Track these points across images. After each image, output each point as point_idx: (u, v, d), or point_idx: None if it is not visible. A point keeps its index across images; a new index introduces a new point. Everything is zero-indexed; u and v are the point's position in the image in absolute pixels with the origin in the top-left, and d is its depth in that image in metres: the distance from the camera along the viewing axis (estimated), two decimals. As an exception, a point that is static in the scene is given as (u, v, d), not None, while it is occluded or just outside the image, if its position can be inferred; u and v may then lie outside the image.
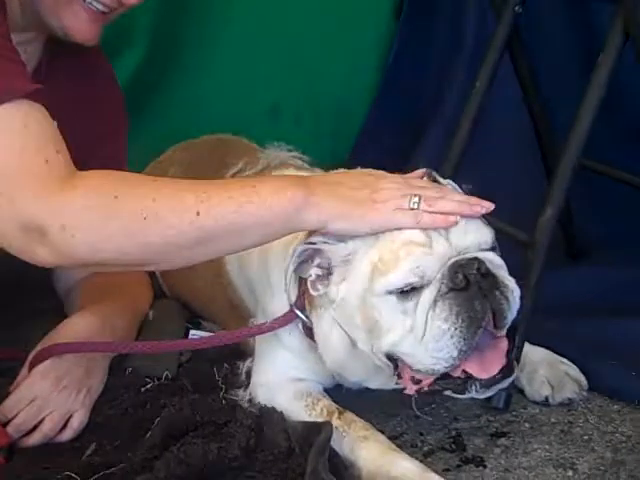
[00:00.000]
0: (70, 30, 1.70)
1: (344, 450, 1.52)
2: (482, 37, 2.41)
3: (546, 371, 1.76)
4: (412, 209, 1.44)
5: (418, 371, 1.47)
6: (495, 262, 1.47)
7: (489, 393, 1.49)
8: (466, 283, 1.41)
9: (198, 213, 1.40)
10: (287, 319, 1.61)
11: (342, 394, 1.69)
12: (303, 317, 1.60)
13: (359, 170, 1.60)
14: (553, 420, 1.70)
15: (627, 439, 1.62)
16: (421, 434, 1.67)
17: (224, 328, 1.95)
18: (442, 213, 1.44)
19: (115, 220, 1.40)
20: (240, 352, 1.85)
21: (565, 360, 1.78)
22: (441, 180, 1.60)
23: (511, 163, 2.53)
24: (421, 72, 2.81)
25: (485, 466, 1.56)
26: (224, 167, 2.05)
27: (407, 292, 1.44)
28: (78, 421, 1.63)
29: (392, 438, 1.58)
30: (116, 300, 1.83)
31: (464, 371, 1.45)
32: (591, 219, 2.38)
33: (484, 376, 1.45)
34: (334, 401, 1.65)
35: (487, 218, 1.54)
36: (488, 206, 1.48)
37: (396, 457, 1.49)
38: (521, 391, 1.77)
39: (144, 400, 1.69)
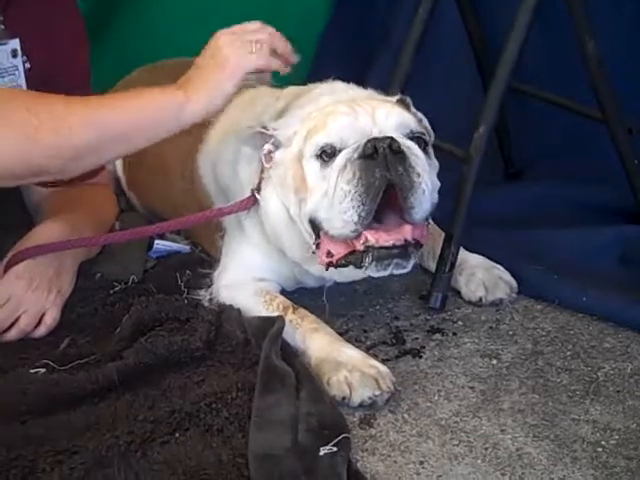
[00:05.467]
0: None
1: (296, 340, 1.68)
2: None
3: (482, 274, 1.93)
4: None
5: (333, 237, 1.62)
6: (413, 149, 1.63)
7: (382, 270, 1.61)
8: (373, 152, 1.57)
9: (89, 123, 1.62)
10: (247, 202, 1.77)
11: (298, 297, 1.85)
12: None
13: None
14: (483, 318, 1.88)
15: (547, 333, 1.82)
16: (365, 331, 1.84)
17: (191, 235, 2.09)
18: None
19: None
20: (202, 260, 2.00)
21: (499, 266, 1.96)
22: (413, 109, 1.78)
23: (454, 86, 2.66)
24: (369, 7, 2.90)
25: (421, 357, 1.74)
26: None
27: (327, 157, 1.62)
28: (51, 318, 1.76)
29: (339, 334, 1.73)
30: (82, 210, 1.95)
31: (365, 240, 1.58)
32: (524, 138, 2.51)
33: (378, 242, 1.57)
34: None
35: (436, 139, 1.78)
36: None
37: (342, 346, 1.65)
38: (457, 293, 1.94)
39: (113, 301, 1.84)
